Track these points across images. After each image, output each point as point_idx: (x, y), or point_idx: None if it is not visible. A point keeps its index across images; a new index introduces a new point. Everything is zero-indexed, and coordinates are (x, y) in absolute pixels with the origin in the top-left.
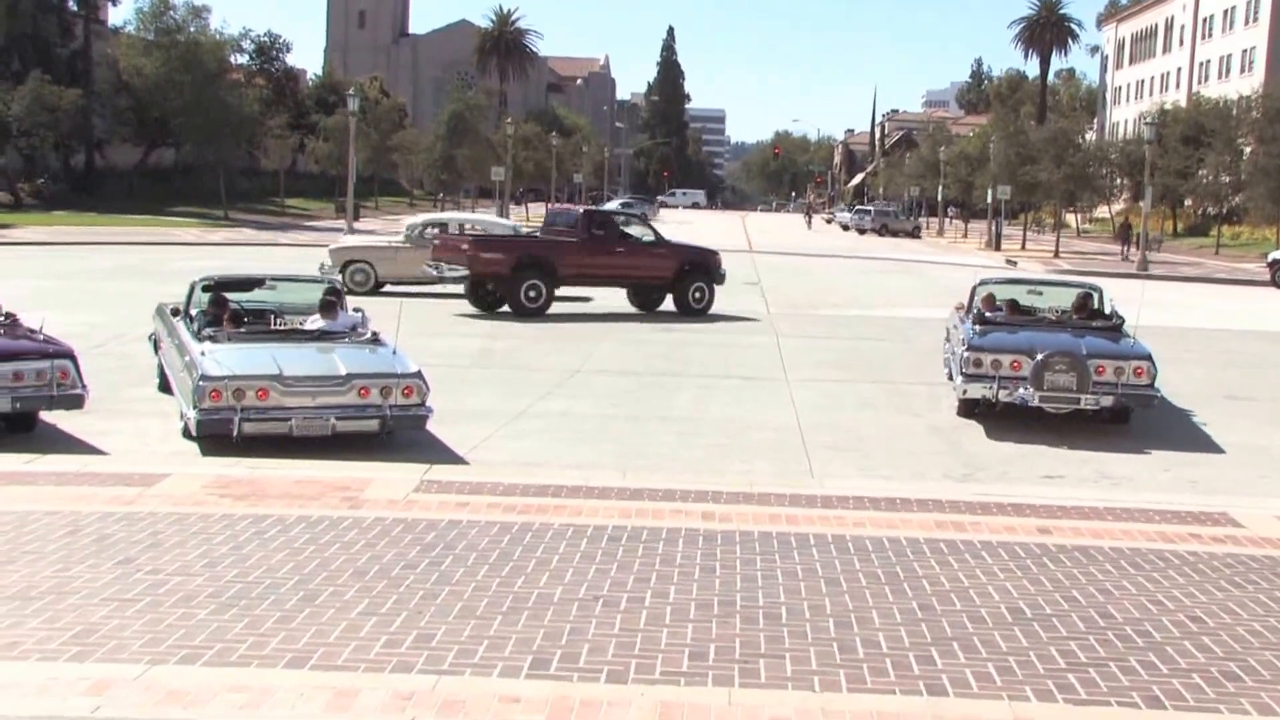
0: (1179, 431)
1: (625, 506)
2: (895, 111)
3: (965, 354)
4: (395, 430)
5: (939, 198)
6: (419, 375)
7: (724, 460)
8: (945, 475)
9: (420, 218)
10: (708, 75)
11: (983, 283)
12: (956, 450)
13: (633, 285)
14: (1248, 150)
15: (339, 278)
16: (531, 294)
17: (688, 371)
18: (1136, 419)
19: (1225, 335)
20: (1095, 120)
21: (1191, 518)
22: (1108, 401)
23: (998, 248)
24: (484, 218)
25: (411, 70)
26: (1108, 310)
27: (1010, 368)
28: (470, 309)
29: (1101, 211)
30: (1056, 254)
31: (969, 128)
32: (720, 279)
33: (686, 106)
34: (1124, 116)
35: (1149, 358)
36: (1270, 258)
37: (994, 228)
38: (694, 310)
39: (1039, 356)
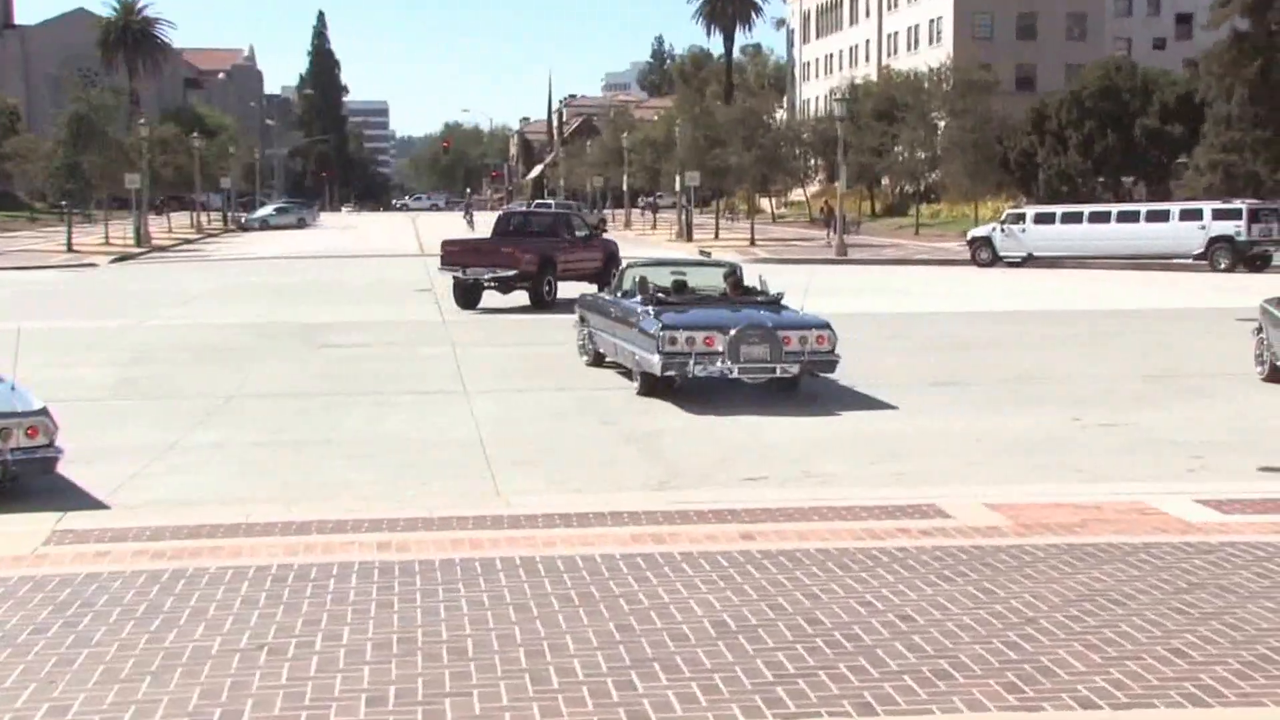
0: (885, 422)
1: (291, 543)
2: (574, 96)
3: (661, 333)
4: (20, 477)
5: (624, 187)
6: (44, 413)
7: (400, 484)
8: (642, 484)
9: None
10: (366, 65)
11: (630, 266)
12: (654, 456)
13: (582, 278)
14: (942, 124)
15: None
16: (546, 288)
17: (357, 389)
18: (839, 409)
19: (929, 319)
20: (785, 98)
21: (899, 511)
22: (794, 369)
23: (689, 238)
24: None
25: (21, 66)
26: (756, 286)
27: (704, 343)
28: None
29: (797, 195)
30: (752, 242)
31: (653, 111)
32: (619, 264)
33: (344, 100)
34: (815, 93)
35: (828, 326)
36: (969, 235)
37: (684, 217)
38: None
39: (733, 331)
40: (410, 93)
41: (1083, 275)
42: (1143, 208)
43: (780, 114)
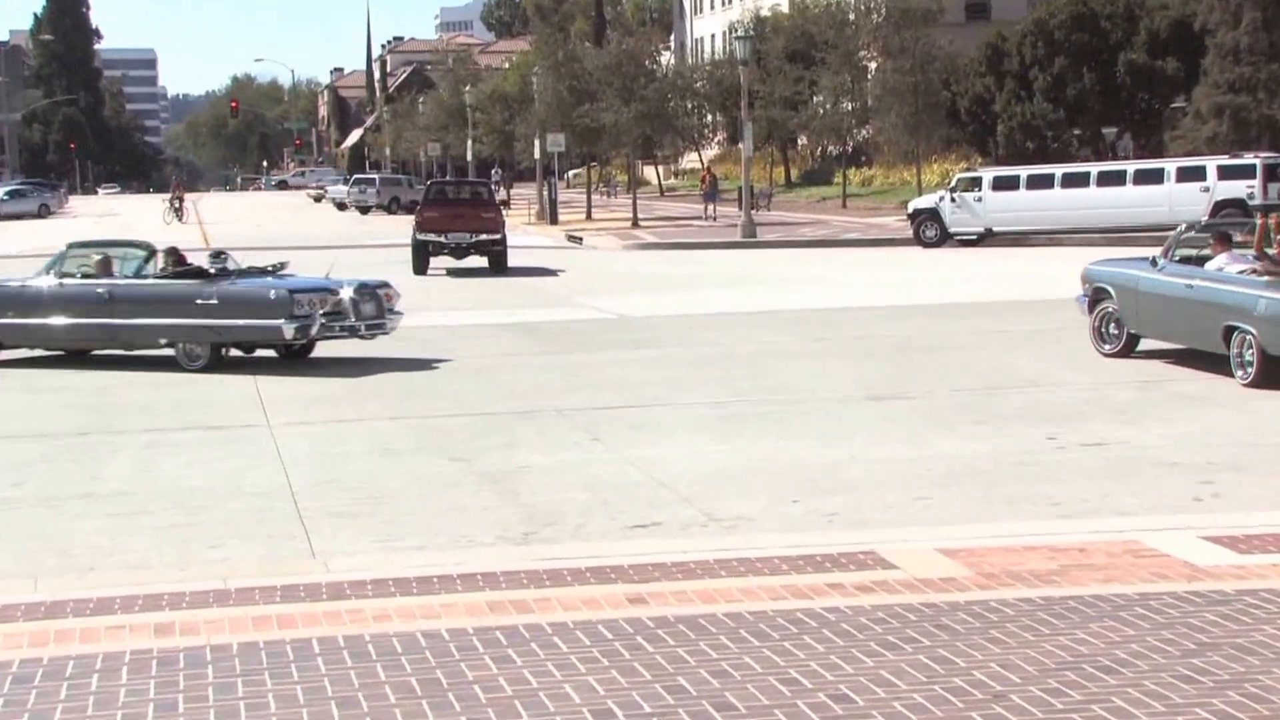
0: (810, 447)
1: (38, 629)
2: (400, 40)
3: (291, 298)
4: None
5: (469, 155)
6: None
7: (184, 547)
8: (501, 537)
9: None
10: (125, 1)
11: (73, 247)
12: (516, 501)
13: None
14: (873, 67)
15: None
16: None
17: (126, 425)
18: (752, 433)
19: (863, 315)
20: (672, 37)
21: (831, 562)
22: (390, 324)
23: (554, 220)
24: None
25: None
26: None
27: (321, 305)
28: None
29: (691, 161)
30: (635, 223)
31: (503, 57)
32: None
33: (97, 48)
34: (709, 29)
35: (390, 284)
36: (911, 207)
37: (546, 193)
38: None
39: (350, 292)
40: (185, 38)
41: (1055, 254)
42: (1130, 167)
43: (666, 58)
